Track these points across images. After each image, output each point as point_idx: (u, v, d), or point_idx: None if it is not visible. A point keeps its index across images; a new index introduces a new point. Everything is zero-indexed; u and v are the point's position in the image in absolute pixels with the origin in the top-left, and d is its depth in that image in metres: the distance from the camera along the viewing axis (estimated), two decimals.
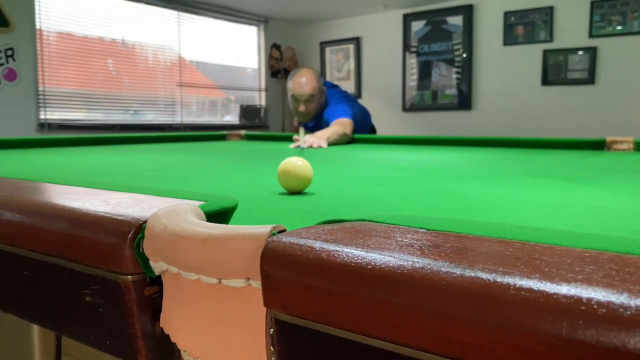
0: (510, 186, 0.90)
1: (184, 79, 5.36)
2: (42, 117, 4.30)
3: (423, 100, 5.54)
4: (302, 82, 2.80)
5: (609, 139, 2.14)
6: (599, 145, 2.13)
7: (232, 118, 6.03)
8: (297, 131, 3.76)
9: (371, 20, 5.92)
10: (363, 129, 2.96)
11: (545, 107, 4.77)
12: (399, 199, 0.75)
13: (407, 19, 5.56)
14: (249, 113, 6.13)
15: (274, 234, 0.29)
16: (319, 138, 2.27)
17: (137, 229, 0.35)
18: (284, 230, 0.30)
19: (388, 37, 5.78)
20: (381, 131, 3.82)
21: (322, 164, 1.36)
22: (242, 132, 3.16)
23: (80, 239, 0.37)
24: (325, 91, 2.94)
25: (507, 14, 4.86)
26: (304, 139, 2.19)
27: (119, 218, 0.36)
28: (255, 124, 6.14)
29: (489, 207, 0.67)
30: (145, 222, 0.35)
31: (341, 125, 2.57)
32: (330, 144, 2.32)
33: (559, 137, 4.56)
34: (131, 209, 0.38)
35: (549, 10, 4.62)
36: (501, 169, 1.22)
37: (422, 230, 0.30)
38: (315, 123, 2.97)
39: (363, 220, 0.33)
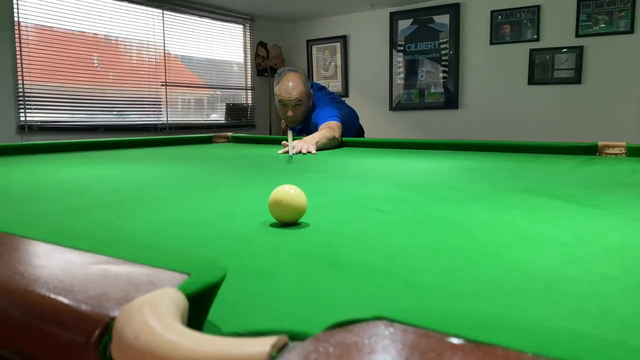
0: (515, 211, 0.85)
1: (170, 78, 5.25)
2: (22, 118, 4.16)
3: (410, 99, 5.49)
4: (289, 87, 2.73)
5: (600, 143, 2.11)
6: (591, 150, 2.10)
7: (218, 116, 5.93)
8: (284, 134, 3.70)
9: (358, 19, 5.86)
10: (351, 131, 2.91)
11: (532, 107, 4.76)
12: (401, 233, 0.70)
13: (394, 17, 5.50)
14: (235, 112, 6.04)
15: (275, 357, 0.23)
16: (308, 143, 2.21)
17: (103, 328, 0.28)
18: (286, 345, 0.24)
19: (375, 36, 5.72)
20: (368, 130, 3.77)
21: (312, 178, 1.30)
22: (229, 134, 3.09)
23: (34, 331, 0.31)
24: (312, 94, 2.88)
25: (493, 13, 4.83)
26: (293, 145, 2.13)
27: (81, 310, 0.30)
28: (241, 123, 6.06)
29: (501, 246, 0.62)
30: (112, 319, 0.28)
31: (330, 128, 2.52)
32: (319, 149, 2.27)
33: (547, 136, 4.56)
34: (97, 295, 0.32)
35: (536, 9, 4.59)
36: (499, 184, 1.17)
37: (459, 342, 0.24)
38: (304, 126, 2.91)
39: (380, 318, 0.27)
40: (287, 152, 2.14)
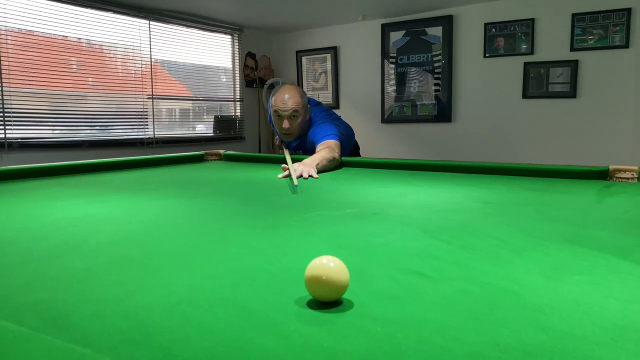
0: (575, 276, 0.76)
1: (156, 89, 5.11)
2: (1, 135, 3.98)
3: (402, 112, 5.43)
4: (285, 98, 2.64)
5: (612, 167, 2.04)
6: (602, 175, 2.03)
7: (205, 127, 5.79)
8: (277, 151, 3.58)
9: (349, 30, 5.79)
10: (348, 148, 2.83)
11: (526, 120, 4.72)
12: (467, 319, 0.60)
13: (385, 28, 5.44)
14: (223, 124, 5.91)
15: None
16: (308, 166, 2.11)
17: None
18: None
19: (366, 47, 5.66)
20: (360, 143, 3.69)
21: (325, 218, 1.19)
22: (221, 151, 2.98)
23: None
24: (309, 108, 2.79)
25: (487, 25, 4.79)
26: (294, 168, 2.03)
27: None
28: (230, 136, 5.93)
29: (594, 344, 0.52)
30: None
31: (329, 149, 2.43)
32: (319, 171, 2.17)
33: (541, 150, 4.53)
34: None
35: (530, 22, 4.56)
36: (534, 229, 1.08)
37: None
38: (300, 142, 2.82)
39: None
40: (287, 176, 2.05)
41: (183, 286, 0.71)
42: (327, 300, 0.64)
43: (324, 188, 1.76)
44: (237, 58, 6.01)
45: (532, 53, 4.59)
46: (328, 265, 0.64)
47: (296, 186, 1.70)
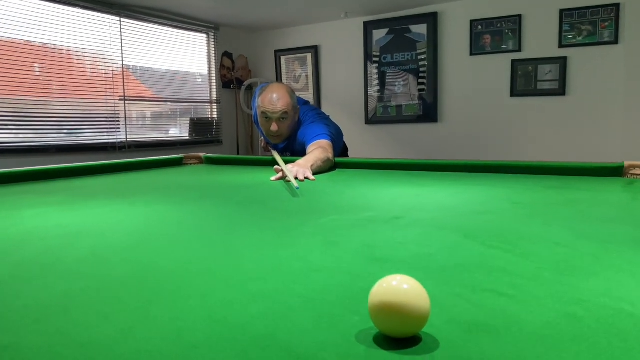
0: None
1: (128, 92, 4.84)
2: None
3: (387, 112, 5.29)
4: (273, 99, 2.45)
5: (626, 163, 1.93)
6: (617, 172, 1.92)
7: (179, 131, 5.54)
8: (260, 154, 3.39)
9: (330, 28, 5.63)
10: (337, 149, 2.66)
11: (515, 119, 4.63)
12: (594, 354, 0.44)
13: (368, 27, 5.30)
14: (200, 127, 5.67)
15: None
16: (303, 167, 1.94)
17: None
18: None
19: (348, 46, 5.51)
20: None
21: (343, 223, 1.02)
22: (201, 154, 2.78)
23: None
24: (299, 109, 2.61)
25: (473, 22, 4.69)
26: (288, 169, 1.85)
27: None
28: (207, 139, 5.70)
29: None
30: None
31: (322, 149, 2.26)
32: (314, 173, 2.00)
33: (531, 149, 4.45)
34: None
35: (517, 19, 4.48)
36: (590, 230, 0.94)
37: None
38: (288, 144, 2.64)
39: None
40: (280, 178, 1.88)
41: (197, 319, 0.53)
42: (402, 337, 0.47)
43: (326, 190, 1.59)
44: (213, 58, 5.79)
45: (519, 50, 4.50)
46: (400, 289, 0.47)
47: (297, 188, 1.52)
